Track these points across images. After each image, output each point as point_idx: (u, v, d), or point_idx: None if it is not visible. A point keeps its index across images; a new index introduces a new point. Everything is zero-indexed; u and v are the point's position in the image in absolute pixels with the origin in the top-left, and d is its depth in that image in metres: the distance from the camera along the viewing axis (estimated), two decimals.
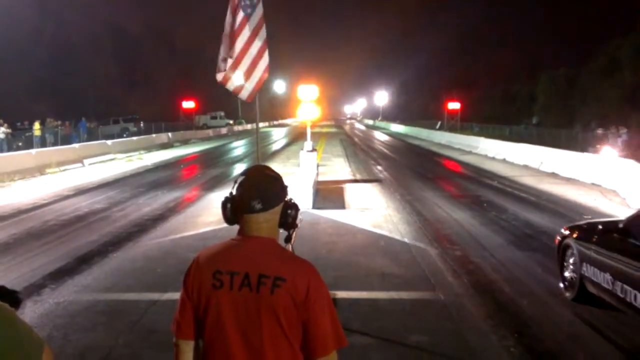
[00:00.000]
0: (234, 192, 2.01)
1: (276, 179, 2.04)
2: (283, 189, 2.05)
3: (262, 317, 1.86)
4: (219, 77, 7.20)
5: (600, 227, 6.07)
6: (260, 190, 1.97)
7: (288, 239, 2.14)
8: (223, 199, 2.05)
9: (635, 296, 5.01)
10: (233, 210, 2.01)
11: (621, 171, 15.38)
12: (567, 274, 6.59)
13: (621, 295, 5.26)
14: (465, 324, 5.77)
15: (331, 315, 1.92)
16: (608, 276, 5.50)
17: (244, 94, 7.37)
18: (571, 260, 6.47)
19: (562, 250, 6.72)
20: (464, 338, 5.41)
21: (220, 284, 1.91)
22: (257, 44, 7.21)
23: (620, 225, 5.56)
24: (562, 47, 62.55)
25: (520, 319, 5.95)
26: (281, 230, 2.08)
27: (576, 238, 6.46)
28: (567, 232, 6.72)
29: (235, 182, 2.03)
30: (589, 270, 5.94)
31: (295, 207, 2.07)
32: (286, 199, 2.05)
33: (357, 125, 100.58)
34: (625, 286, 5.17)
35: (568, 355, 5.14)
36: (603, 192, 15.19)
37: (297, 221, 2.08)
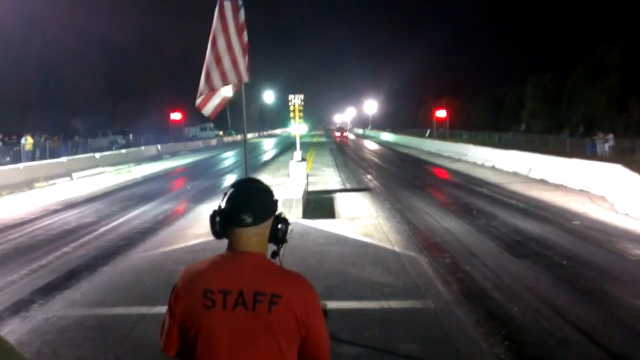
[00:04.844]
0: (223, 205, 1.95)
1: (267, 192, 2.00)
2: (274, 202, 2.00)
3: (258, 337, 1.80)
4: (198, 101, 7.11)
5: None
6: (251, 204, 1.93)
7: (275, 255, 2.06)
8: (211, 211, 1.99)
9: None
10: (222, 223, 1.95)
11: (609, 177, 15.48)
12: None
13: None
14: (456, 331, 5.77)
15: (326, 329, 1.91)
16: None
17: (208, 109, 7.27)
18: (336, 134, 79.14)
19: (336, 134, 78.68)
20: (454, 346, 5.42)
21: (212, 304, 1.83)
22: (236, 48, 7.12)
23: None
24: (549, 52, 63.16)
25: (510, 326, 5.96)
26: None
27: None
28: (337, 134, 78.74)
29: (225, 194, 1.98)
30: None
31: (285, 221, 2.02)
32: (277, 213, 2.01)
33: (347, 134, 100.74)
34: None
35: None
36: (592, 197, 15.30)
37: (287, 234, 2.05)
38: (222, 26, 6.88)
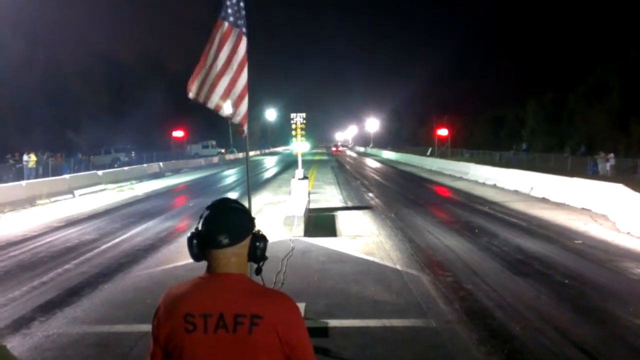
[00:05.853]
0: (200, 227, 1.94)
1: (243, 211, 1.99)
2: (250, 221, 2.00)
3: (241, 359, 1.80)
4: (214, 103, 6.71)
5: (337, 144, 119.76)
6: (227, 224, 1.92)
7: (258, 271, 2.07)
8: (189, 234, 1.97)
9: None
10: (200, 246, 1.94)
11: (611, 196, 15.49)
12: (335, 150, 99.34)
13: None
14: (458, 350, 5.75)
15: (310, 346, 1.90)
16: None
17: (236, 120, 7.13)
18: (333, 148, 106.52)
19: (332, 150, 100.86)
20: None
21: (193, 328, 1.82)
22: (244, 73, 6.98)
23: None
24: (549, 71, 63.47)
25: (512, 345, 5.93)
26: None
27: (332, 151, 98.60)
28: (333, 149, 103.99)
29: (201, 216, 1.96)
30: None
31: (263, 238, 2.02)
32: (254, 231, 2.00)
33: (349, 152, 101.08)
34: None
35: None
36: (593, 216, 15.29)
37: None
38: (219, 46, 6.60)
